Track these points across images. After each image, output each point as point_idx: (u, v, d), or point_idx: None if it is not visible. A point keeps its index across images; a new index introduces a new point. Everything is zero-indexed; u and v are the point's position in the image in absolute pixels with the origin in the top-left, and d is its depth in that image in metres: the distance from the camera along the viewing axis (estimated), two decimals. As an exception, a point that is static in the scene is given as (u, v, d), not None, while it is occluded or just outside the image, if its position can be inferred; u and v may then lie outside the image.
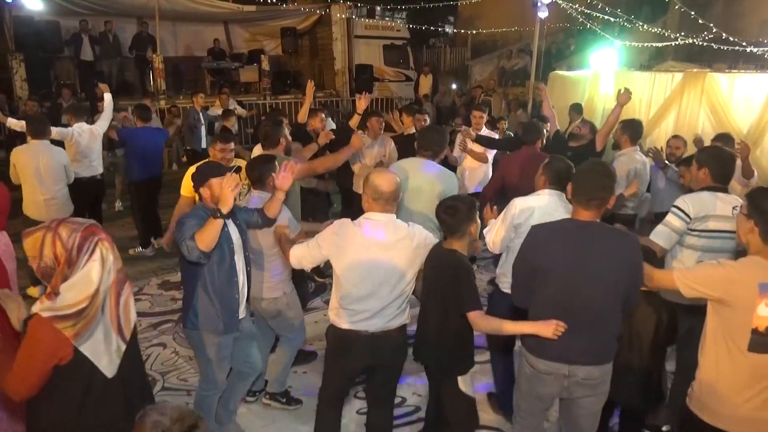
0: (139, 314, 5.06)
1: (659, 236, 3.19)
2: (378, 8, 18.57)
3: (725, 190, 3.21)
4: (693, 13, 10.03)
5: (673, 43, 10.97)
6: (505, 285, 3.25)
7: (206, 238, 2.65)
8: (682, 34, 10.46)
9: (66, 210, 5.35)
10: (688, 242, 3.17)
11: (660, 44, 11.55)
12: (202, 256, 2.70)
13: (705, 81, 7.59)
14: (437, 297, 2.80)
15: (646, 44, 11.74)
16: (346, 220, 2.81)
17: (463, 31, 16.99)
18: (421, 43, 18.37)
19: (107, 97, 6.40)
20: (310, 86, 5.54)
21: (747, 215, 2.25)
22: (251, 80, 14.29)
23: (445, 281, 2.74)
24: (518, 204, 3.20)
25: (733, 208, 3.01)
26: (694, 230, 3.14)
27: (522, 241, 2.69)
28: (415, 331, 2.98)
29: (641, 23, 11.57)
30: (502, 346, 3.60)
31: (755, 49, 9.23)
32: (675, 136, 5.67)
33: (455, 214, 2.74)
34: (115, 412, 2.02)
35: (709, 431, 2.29)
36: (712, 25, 9.50)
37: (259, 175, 3.44)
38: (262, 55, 14.31)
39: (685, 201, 3.17)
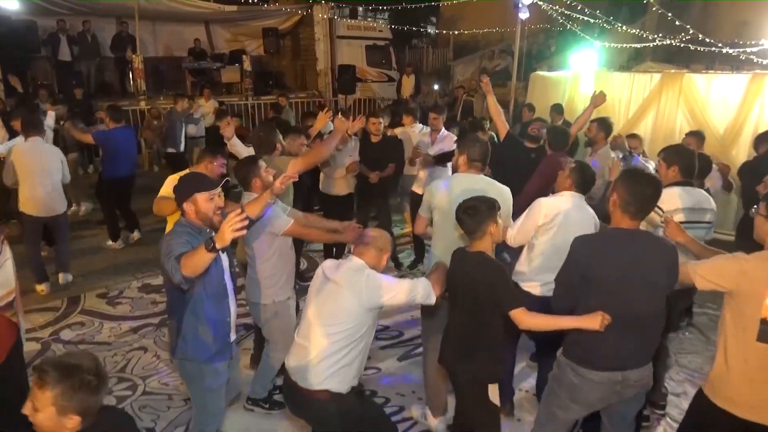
0: (120, 318, 5.03)
1: None
2: (360, 9, 18.56)
3: (692, 184, 3.45)
4: (670, 14, 10.18)
5: (651, 44, 11.12)
6: (525, 282, 3.39)
7: (193, 266, 2.35)
8: (660, 35, 10.61)
9: (61, 206, 5.59)
10: (662, 234, 3.26)
11: (639, 45, 11.70)
12: (184, 282, 2.43)
13: (683, 81, 7.71)
14: (467, 304, 2.75)
15: (625, 45, 11.89)
16: None
17: (445, 31, 17.04)
18: (404, 44, 18.40)
19: (50, 114, 6.64)
20: (321, 117, 5.10)
21: (766, 216, 2.39)
22: (233, 81, 14.18)
23: (476, 285, 2.69)
24: (544, 204, 3.29)
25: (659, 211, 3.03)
26: (686, 222, 3.26)
27: (546, 239, 3.06)
28: (441, 341, 2.97)
29: (620, 24, 11.71)
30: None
31: (731, 50, 9.40)
32: (632, 135, 6.07)
33: (475, 214, 2.70)
34: None
35: (720, 414, 2.41)
36: (689, 26, 9.65)
37: (243, 177, 3.38)
38: (244, 56, 14.20)
39: (691, 197, 3.36)
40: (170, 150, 8.82)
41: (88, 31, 12.64)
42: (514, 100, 11.04)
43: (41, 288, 5.42)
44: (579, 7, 11.58)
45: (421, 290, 2.70)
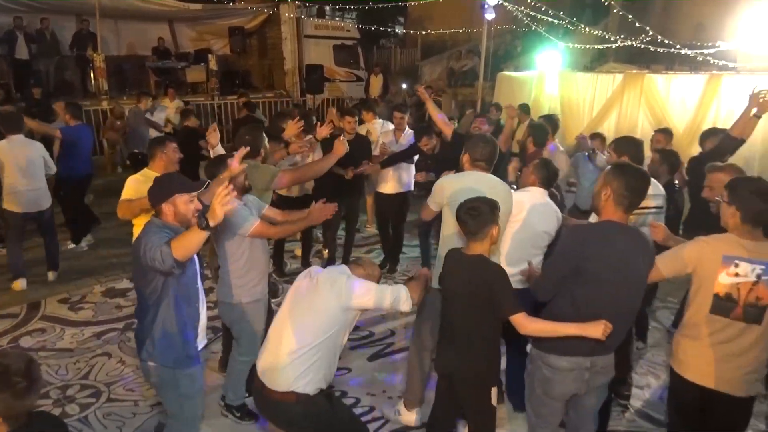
0: (83, 324, 4.89)
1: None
2: (327, 8, 18.49)
3: None
4: (631, 16, 10.43)
5: (613, 46, 11.37)
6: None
7: (186, 247, 2.33)
8: (622, 36, 10.85)
9: (46, 201, 5.60)
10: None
11: (601, 46, 11.95)
12: (176, 266, 2.37)
13: (644, 82, 7.92)
14: (465, 306, 2.70)
15: (588, 46, 12.13)
16: None
17: (413, 31, 17.11)
18: (372, 44, 18.42)
19: None
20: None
21: (728, 202, 2.54)
22: (198, 80, 13.97)
23: (476, 289, 2.64)
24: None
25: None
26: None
27: (510, 232, 3.20)
28: (437, 344, 2.99)
29: (583, 26, 11.93)
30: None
31: (689, 52, 9.67)
32: (595, 134, 6.25)
33: (478, 215, 2.64)
34: None
35: (690, 387, 2.61)
36: (648, 28, 9.89)
37: (213, 176, 3.30)
38: (210, 55, 14.03)
39: None
40: (135, 150, 8.63)
41: (47, 28, 12.26)
42: (481, 100, 11.16)
43: (17, 284, 5.46)
44: (543, 9, 11.77)
45: (390, 296, 2.70)
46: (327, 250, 6.04)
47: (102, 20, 12.10)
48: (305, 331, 2.61)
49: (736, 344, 2.50)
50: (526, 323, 2.54)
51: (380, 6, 14.34)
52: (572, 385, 2.65)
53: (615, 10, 11.78)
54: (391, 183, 5.86)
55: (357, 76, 15.98)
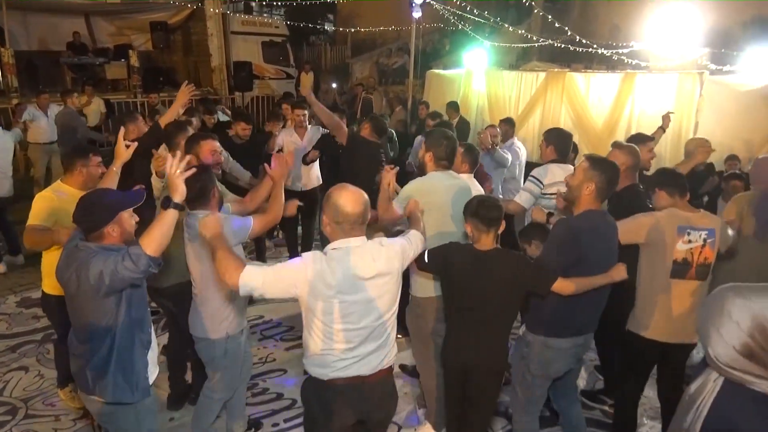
0: (-6, 337, 4.56)
1: (522, 199, 3.94)
2: (254, 4, 18.12)
3: (565, 162, 4.07)
4: (551, 17, 10.85)
5: (536, 45, 11.80)
6: None
7: (159, 237, 2.13)
8: (544, 36, 11.28)
9: (8, 189, 5.92)
10: (542, 203, 3.85)
11: (525, 45, 12.37)
12: (152, 264, 2.13)
13: (565, 80, 8.25)
14: (489, 300, 2.69)
15: (513, 45, 12.52)
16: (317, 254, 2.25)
17: (342, 29, 17.08)
18: (301, 41, 18.21)
19: None
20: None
21: (668, 193, 3.06)
22: (119, 77, 13.33)
23: (504, 281, 2.65)
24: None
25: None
26: (546, 194, 3.89)
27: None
28: (448, 340, 2.88)
29: (508, 25, 12.31)
30: None
31: (606, 51, 10.18)
32: (491, 126, 6.68)
33: (500, 207, 2.75)
34: None
35: (647, 343, 3.03)
36: (567, 28, 10.33)
37: (202, 188, 2.80)
38: (131, 51, 13.39)
39: (539, 172, 3.97)
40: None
41: (-54, 21, 11.36)
42: (411, 98, 11.29)
43: None
44: (469, 8, 12.04)
45: (418, 237, 2.61)
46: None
47: (8, 12, 11.34)
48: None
49: (690, 300, 2.95)
50: (566, 286, 2.68)
51: (309, 3, 14.19)
52: (570, 361, 2.95)
53: (536, 11, 12.21)
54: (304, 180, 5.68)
55: (287, 73, 15.76)
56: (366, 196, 2.27)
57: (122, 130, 3.33)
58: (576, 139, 7.72)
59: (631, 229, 2.96)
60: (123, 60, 13.28)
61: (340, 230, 2.23)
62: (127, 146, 3.18)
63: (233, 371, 3.06)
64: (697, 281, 2.94)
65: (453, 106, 8.33)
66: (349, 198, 2.21)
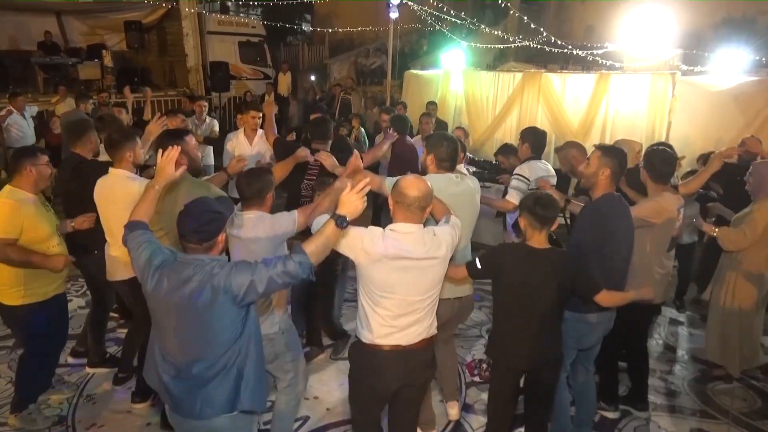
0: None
1: (513, 197, 4.17)
2: (230, 3, 17.98)
3: (540, 158, 4.40)
4: (526, 18, 10.95)
5: (512, 45, 11.89)
6: None
7: (322, 247, 2.19)
8: (520, 37, 11.38)
9: None
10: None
11: (502, 46, 12.46)
12: (312, 273, 2.15)
13: (541, 80, 8.34)
14: (546, 299, 2.78)
15: (490, 46, 12.60)
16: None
17: (320, 29, 17.02)
18: (279, 41, 18.10)
19: None
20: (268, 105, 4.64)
21: (642, 167, 3.54)
22: (93, 77, 13.05)
23: (559, 280, 2.78)
24: None
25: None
26: (531, 189, 4.12)
27: None
28: (499, 341, 2.95)
29: (485, 26, 12.39)
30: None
31: (581, 52, 10.31)
32: (458, 128, 6.91)
33: (557, 207, 2.88)
34: None
35: (645, 310, 3.52)
36: (542, 29, 10.43)
37: (259, 190, 2.88)
38: (104, 50, 13.17)
39: (523, 168, 4.28)
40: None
41: None
42: (390, 98, 11.30)
43: None
44: (445, 9, 12.09)
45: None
46: None
47: (-24, 11, 11.05)
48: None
49: (666, 268, 3.51)
50: (607, 298, 2.89)
51: (286, 3, 14.11)
52: (599, 334, 3.20)
53: (512, 12, 12.32)
54: None
55: (264, 73, 15.65)
56: (430, 186, 2.51)
57: (175, 148, 2.95)
58: (553, 139, 7.83)
59: (655, 209, 3.36)
60: (96, 60, 13.03)
61: (401, 210, 2.47)
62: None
63: (298, 356, 3.14)
64: (672, 251, 3.56)
65: (432, 106, 8.34)
66: (412, 184, 2.46)
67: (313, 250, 2.16)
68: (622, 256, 3.13)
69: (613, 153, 3.16)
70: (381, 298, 2.46)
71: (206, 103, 6.46)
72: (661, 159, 3.50)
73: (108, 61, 12.80)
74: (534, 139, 4.37)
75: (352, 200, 2.22)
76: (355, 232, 2.39)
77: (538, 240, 2.81)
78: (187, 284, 2.12)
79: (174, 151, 2.56)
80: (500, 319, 2.94)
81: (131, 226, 2.37)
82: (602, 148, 3.22)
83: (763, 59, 8.02)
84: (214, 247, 2.22)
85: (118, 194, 3.30)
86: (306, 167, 4.12)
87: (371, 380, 2.58)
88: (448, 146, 3.18)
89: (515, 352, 2.88)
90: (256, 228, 2.82)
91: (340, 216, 2.19)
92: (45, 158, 3.28)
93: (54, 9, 13.66)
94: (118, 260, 3.47)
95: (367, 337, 2.52)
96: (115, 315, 4.77)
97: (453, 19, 12.23)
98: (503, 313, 2.91)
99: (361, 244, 2.39)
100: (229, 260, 2.28)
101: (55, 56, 12.83)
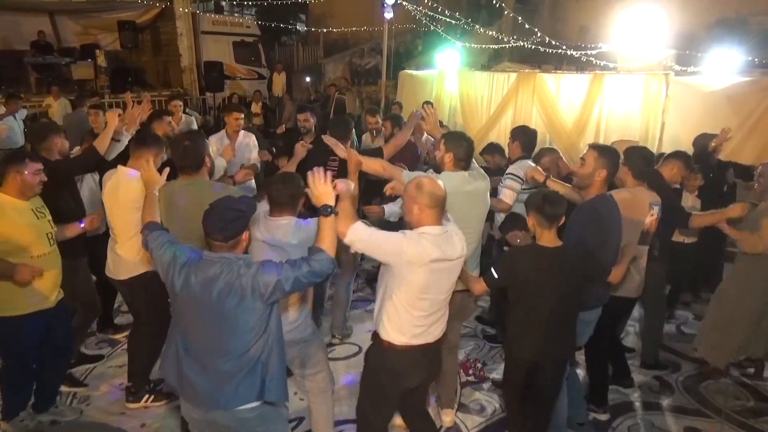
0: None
1: (507, 197, 4.13)
2: (224, 3, 17.93)
3: (530, 157, 4.38)
4: (521, 18, 10.97)
5: (507, 46, 11.91)
6: None
7: (334, 240, 2.32)
8: (515, 37, 11.40)
9: None
10: (521, 198, 3.95)
11: (496, 46, 12.48)
12: (333, 267, 2.27)
13: (536, 80, 8.36)
14: (560, 295, 2.82)
15: (484, 46, 12.62)
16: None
17: (314, 29, 17.00)
18: (273, 41, 18.07)
19: None
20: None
21: (623, 164, 3.44)
22: (86, 77, 13.03)
23: (573, 277, 2.83)
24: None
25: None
26: (525, 189, 4.10)
27: None
28: (516, 338, 2.97)
29: (479, 26, 12.40)
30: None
31: (575, 53, 10.34)
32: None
33: (565, 204, 2.88)
34: None
35: (623, 302, 3.60)
36: (537, 29, 10.46)
37: (292, 195, 2.87)
38: (98, 50, 13.11)
39: (516, 168, 4.20)
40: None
41: None
42: (385, 98, 11.31)
43: None
44: (440, 9, 12.11)
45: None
46: None
47: (-31, 11, 10.99)
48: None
49: (637, 260, 3.46)
50: (616, 273, 3.01)
51: (280, 3, 14.09)
52: (591, 330, 3.33)
53: (506, 12, 12.34)
54: None
55: (259, 73, 15.63)
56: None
57: (151, 156, 3.13)
58: (547, 139, 7.86)
59: (629, 200, 3.30)
60: (90, 60, 12.99)
61: (429, 215, 2.49)
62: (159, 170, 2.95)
63: (323, 347, 3.28)
64: (644, 246, 3.51)
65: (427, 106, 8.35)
66: (436, 184, 2.53)
67: (327, 245, 2.26)
68: (615, 249, 3.19)
69: (610, 154, 3.23)
70: (419, 300, 2.52)
71: (181, 103, 6.63)
72: (641, 157, 3.54)
73: (101, 61, 12.75)
74: (525, 138, 4.40)
75: (319, 190, 2.32)
76: (393, 239, 2.45)
77: (548, 238, 2.84)
78: (214, 282, 2.18)
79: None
80: (517, 318, 2.95)
81: (149, 227, 2.47)
82: (599, 149, 3.26)
83: (756, 60, 8.06)
84: (238, 245, 2.29)
85: (120, 192, 3.39)
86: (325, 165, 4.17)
87: (399, 379, 2.65)
88: (467, 146, 3.28)
89: (532, 348, 2.91)
90: (296, 234, 2.80)
91: (323, 207, 2.28)
92: (34, 166, 3.11)
93: (47, 9, 13.63)
94: (122, 259, 3.49)
95: (399, 339, 2.56)
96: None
97: (448, 20, 12.24)
98: (521, 312, 2.92)
99: (405, 252, 2.43)
100: None
101: (48, 56, 12.79)
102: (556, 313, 2.85)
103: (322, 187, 2.32)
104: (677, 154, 4.10)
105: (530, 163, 4.24)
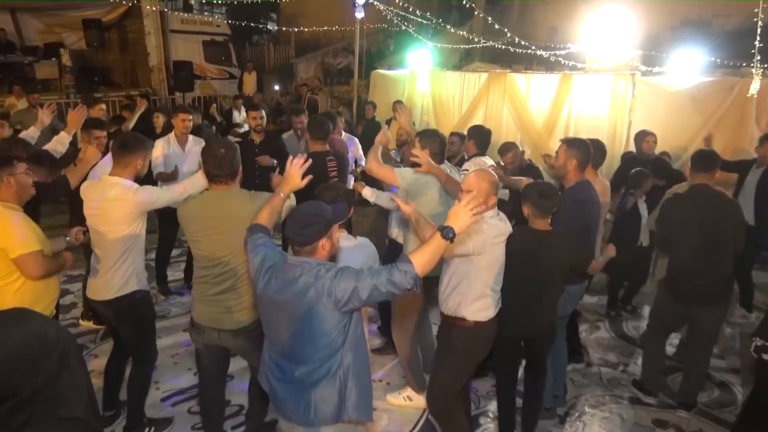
0: None
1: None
2: (194, 2, 17.69)
3: (485, 155, 4.79)
4: (490, 19, 11.07)
5: (477, 46, 12.00)
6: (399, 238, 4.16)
7: (429, 259, 2.14)
8: (486, 37, 11.49)
9: None
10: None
11: (467, 46, 12.57)
12: (417, 284, 2.08)
13: (506, 80, 8.44)
14: (545, 276, 3.11)
15: (455, 46, 12.69)
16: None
17: (286, 28, 16.88)
18: (244, 40, 17.89)
19: None
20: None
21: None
22: (50, 77, 12.71)
23: (559, 259, 3.11)
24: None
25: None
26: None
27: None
28: (504, 313, 3.14)
29: (450, 27, 12.47)
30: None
31: (544, 53, 10.47)
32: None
33: (558, 196, 3.16)
34: None
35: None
36: (506, 30, 10.56)
37: (332, 200, 2.74)
38: (62, 49, 12.80)
39: (470, 166, 4.43)
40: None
41: None
42: (357, 98, 11.30)
43: None
44: (411, 9, 12.14)
45: None
46: None
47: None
48: None
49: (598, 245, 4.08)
50: (595, 266, 3.35)
51: (251, 1, 13.95)
52: (575, 302, 3.83)
53: (477, 13, 12.43)
54: None
55: (230, 73, 15.45)
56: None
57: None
58: (518, 138, 7.93)
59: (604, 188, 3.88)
60: (53, 59, 12.67)
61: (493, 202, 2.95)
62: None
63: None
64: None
65: (399, 105, 8.36)
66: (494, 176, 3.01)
67: (420, 260, 2.06)
68: (595, 233, 3.60)
69: (577, 144, 3.59)
70: (500, 276, 2.99)
71: (145, 101, 6.66)
72: (596, 147, 3.96)
73: (66, 60, 12.45)
74: (479, 137, 4.80)
75: (460, 214, 2.14)
76: (483, 228, 2.82)
77: (540, 224, 3.15)
78: (293, 284, 2.14)
79: None
80: (506, 294, 3.12)
81: (252, 229, 2.43)
82: (567, 141, 3.65)
83: (718, 60, 8.27)
84: (315, 252, 2.21)
85: (110, 206, 3.07)
86: (325, 170, 4.28)
87: (486, 348, 3.11)
88: (440, 141, 3.55)
89: (519, 323, 3.19)
90: (352, 255, 2.73)
91: (446, 227, 2.11)
92: (23, 166, 2.96)
93: (8, 6, 13.21)
94: (108, 277, 3.18)
95: (488, 316, 2.98)
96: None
97: (419, 20, 12.28)
98: (509, 289, 3.10)
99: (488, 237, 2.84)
100: None
101: (11, 54, 12.44)
102: (540, 291, 3.14)
103: (461, 212, 2.14)
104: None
105: (485, 159, 4.63)
